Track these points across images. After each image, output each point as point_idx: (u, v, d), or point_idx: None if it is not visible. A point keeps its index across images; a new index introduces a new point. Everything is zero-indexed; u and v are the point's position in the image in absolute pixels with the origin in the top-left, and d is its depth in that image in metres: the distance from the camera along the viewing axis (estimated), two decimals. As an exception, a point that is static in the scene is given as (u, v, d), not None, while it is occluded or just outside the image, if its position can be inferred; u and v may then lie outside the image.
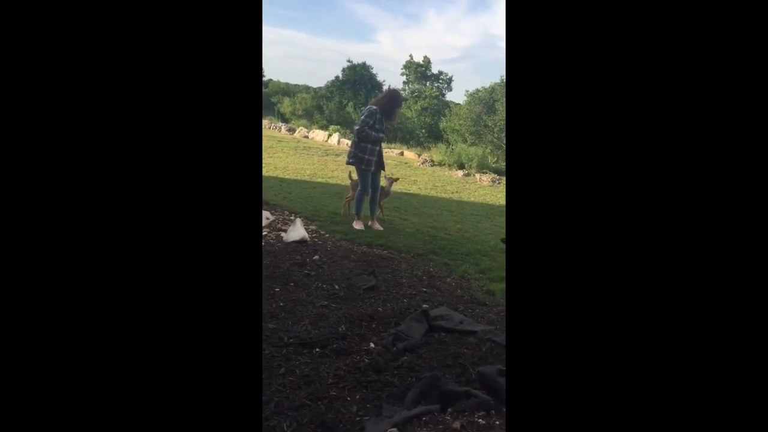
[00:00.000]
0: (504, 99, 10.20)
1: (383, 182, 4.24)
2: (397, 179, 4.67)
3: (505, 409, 1.40)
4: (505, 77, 10.79)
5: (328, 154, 9.69)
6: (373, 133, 3.74)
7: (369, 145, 3.76)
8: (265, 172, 6.18)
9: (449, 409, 1.38)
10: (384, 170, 4.11)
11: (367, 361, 1.70)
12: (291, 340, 1.81)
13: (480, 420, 1.33)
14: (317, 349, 1.78)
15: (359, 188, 3.94)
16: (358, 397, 1.47)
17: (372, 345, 1.85)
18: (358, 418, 1.35)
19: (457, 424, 1.29)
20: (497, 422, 1.33)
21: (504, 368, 1.63)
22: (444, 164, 9.99)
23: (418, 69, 15.65)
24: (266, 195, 4.68)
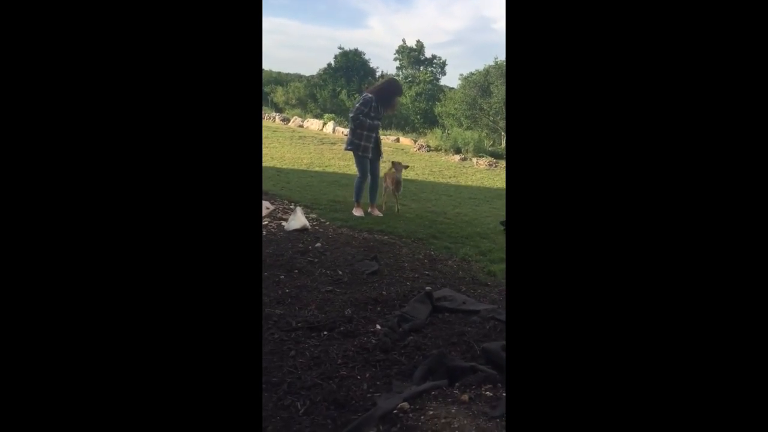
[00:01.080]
0: (499, 82, 10.15)
1: (387, 170, 4.19)
2: (406, 166, 4.45)
3: (510, 382, 1.45)
4: (499, 59, 10.72)
5: (323, 143, 9.66)
6: (368, 120, 3.75)
7: (365, 132, 3.79)
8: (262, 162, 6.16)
9: (457, 384, 1.43)
10: (381, 157, 4.11)
11: (374, 341, 1.75)
12: (299, 325, 1.85)
13: (487, 392, 1.38)
14: (325, 332, 1.82)
15: (358, 175, 3.95)
16: (368, 375, 1.52)
17: (378, 327, 1.89)
18: (369, 395, 1.40)
19: (465, 397, 1.34)
20: (503, 394, 1.37)
21: (508, 344, 1.68)
22: (440, 149, 9.98)
23: (412, 54, 15.52)
24: (265, 185, 4.69)
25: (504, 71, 10.19)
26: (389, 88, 3.90)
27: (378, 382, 1.48)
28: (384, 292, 2.30)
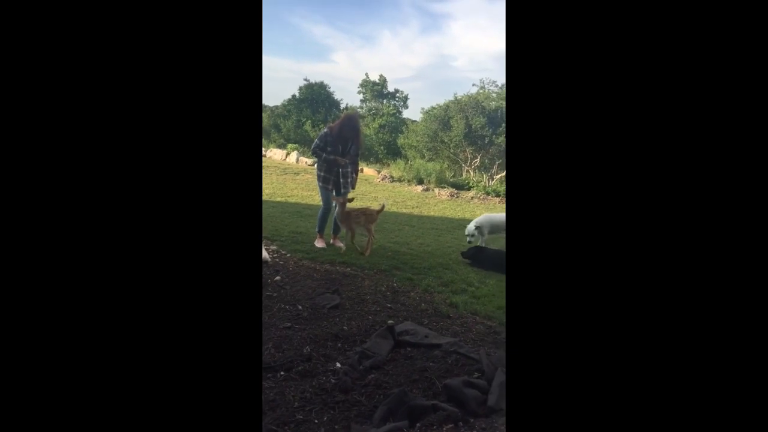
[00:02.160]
0: (458, 116, 10.55)
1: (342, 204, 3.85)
2: (351, 199, 3.88)
3: (472, 420, 1.42)
4: (458, 95, 11.18)
5: (286, 173, 9.59)
6: (324, 154, 3.80)
7: (324, 165, 3.84)
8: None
9: (417, 425, 1.39)
10: (350, 190, 4.02)
11: (333, 381, 1.68)
12: (254, 365, 1.76)
13: (448, 432, 1.34)
14: (282, 373, 1.73)
15: (322, 206, 3.93)
16: (325, 419, 1.45)
17: (338, 365, 1.83)
18: (326, 441, 1.33)
19: (426, 439, 1.29)
20: (465, 433, 1.34)
21: (469, 379, 1.65)
22: (403, 180, 10.14)
23: (375, 87, 15.92)
24: (224, 216, 4.54)
25: (462, 106, 10.63)
26: (344, 124, 3.94)
27: (336, 426, 1.41)
28: (345, 327, 2.24)
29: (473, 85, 18.83)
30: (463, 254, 4.05)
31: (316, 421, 1.43)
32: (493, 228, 4.40)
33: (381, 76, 15.96)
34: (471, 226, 4.37)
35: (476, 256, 3.94)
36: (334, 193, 3.91)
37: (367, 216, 3.86)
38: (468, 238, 4.34)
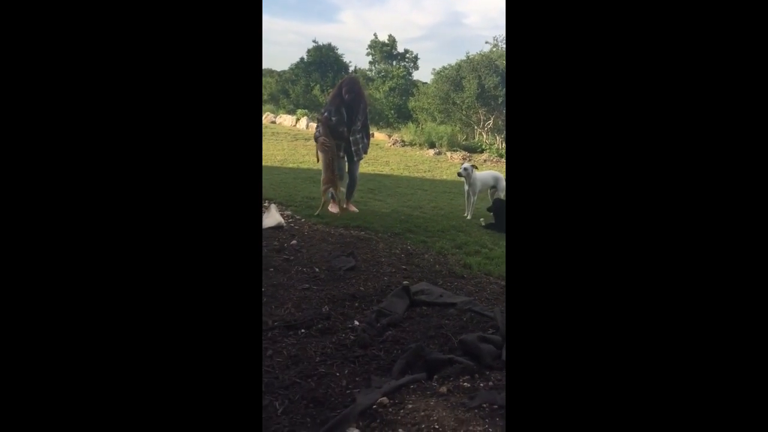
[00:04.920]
0: (470, 76, 10.24)
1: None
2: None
3: (488, 372, 1.47)
4: (470, 54, 10.81)
5: (297, 139, 9.55)
6: (332, 135, 3.79)
7: (335, 132, 3.83)
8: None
9: (435, 376, 1.44)
10: (362, 157, 4.05)
11: (352, 338, 1.74)
12: (276, 323, 1.83)
13: (465, 384, 1.40)
14: (303, 330, 1.80)
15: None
16: (346, 371, 1.51)
17: (356, 323, 1.89)
18: (348, 391, 1.40)
19: (443, 389, 1.35)
20: (481, 384, 1.40)
21: (484, 335, 1.70)
22: (415, 144, 10.02)
23: (384, 48, 15.45)
24: (237, 183, 4.57)
25: (475, 66, 10.29)
26: (343, 87, 3.83)
27: (357, 378, 1.48)
28: (361, 288, 2.29)
29: (486, 42, 18.16)
30: (489, 209, 4.11)
31: (337, 374, 1.50)
32: (483, 185, 4.44)
33: (390, 36, 15.45)
34: (467, 165, 4.32)
35: (499, 211, 3.94)
36: (346, 160, 3.90)
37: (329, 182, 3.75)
38: (460, 170, 4.28)
